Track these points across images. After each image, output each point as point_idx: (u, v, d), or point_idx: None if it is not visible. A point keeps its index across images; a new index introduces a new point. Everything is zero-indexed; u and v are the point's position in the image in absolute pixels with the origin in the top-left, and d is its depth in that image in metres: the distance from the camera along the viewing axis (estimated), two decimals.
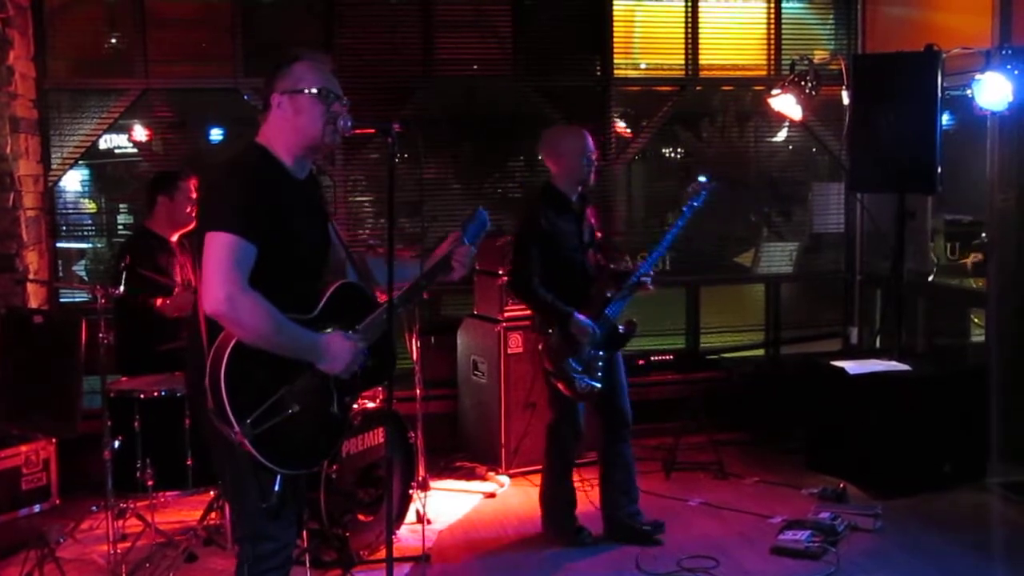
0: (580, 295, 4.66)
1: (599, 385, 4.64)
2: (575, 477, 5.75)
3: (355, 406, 4.42)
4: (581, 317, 4.58)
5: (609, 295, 4.71)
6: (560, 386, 4.64)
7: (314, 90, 2.99)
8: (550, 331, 4.61)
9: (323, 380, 2.97)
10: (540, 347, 4.66)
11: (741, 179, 6.97)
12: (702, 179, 4.94)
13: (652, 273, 4.79)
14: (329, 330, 2.99)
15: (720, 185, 5.02)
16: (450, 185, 6.69)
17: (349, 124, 3.07)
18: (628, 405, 4.89)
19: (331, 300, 3.06)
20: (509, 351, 5.84)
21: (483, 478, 5.80)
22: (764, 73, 7.06)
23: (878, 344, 6.83)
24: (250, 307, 2.79)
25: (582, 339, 4.58)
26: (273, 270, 2.88)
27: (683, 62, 6.94)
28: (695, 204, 4.85)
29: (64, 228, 6.31)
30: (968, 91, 5.59)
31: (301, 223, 3.01)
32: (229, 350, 2.79)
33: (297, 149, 3.03)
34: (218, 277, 2.78)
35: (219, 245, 2.80)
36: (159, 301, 4.86)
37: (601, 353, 4.66)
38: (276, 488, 2.92)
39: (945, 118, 5.87)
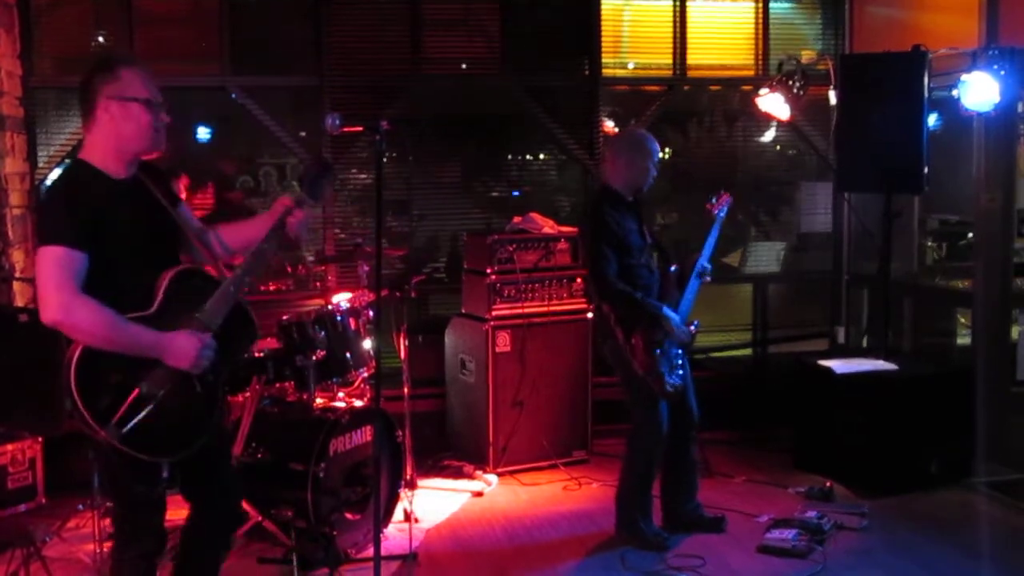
0: (651, 294, 4.63)
1: (682, 383, 4.65)
2: (565, 475, 5.79)
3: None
4: (672, 313, 4.57)
5: (680, 294, 4.73)
6: (653, 387, 4.57)
7: (145, 99, 3.06)
8: (643, 330, 4.53)
9: (177, 368, 3.00)
10: (630, 347, 4.55)
11: (728, 179, 6.97)
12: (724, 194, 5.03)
13: (710, 268, 4.84)
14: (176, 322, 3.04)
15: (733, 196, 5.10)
16: (438, 183, 6.68)
17: (338, 123, 3.06)
18: (695, 405, 4.87)
19: (170, 290, 3.06)
20: (497, 350, 5.83)
21: (471, 477, 5.79)
22: (752, 73, 7.07)
23: (865, 344, 6.86)
24: (85, 312, 2.88)
25: (672, 336, 4.57)
26: (104, 273, 2.94)
27: (671, 62, 6.94)
28: (720, 214, 4.94)
29: None
30: (955, 91, 5.60)
31: (125, 223, 3.04)
32: (75, 358, 2.88)
33: (123, 155, 3.09)
34: (51, 287, 2.87)
35: (49, 258, 2.89)
36: None
37: (680, 351, 4.66)
38: (165, 475, 3.06)
39: (932, 118, 5.89)
